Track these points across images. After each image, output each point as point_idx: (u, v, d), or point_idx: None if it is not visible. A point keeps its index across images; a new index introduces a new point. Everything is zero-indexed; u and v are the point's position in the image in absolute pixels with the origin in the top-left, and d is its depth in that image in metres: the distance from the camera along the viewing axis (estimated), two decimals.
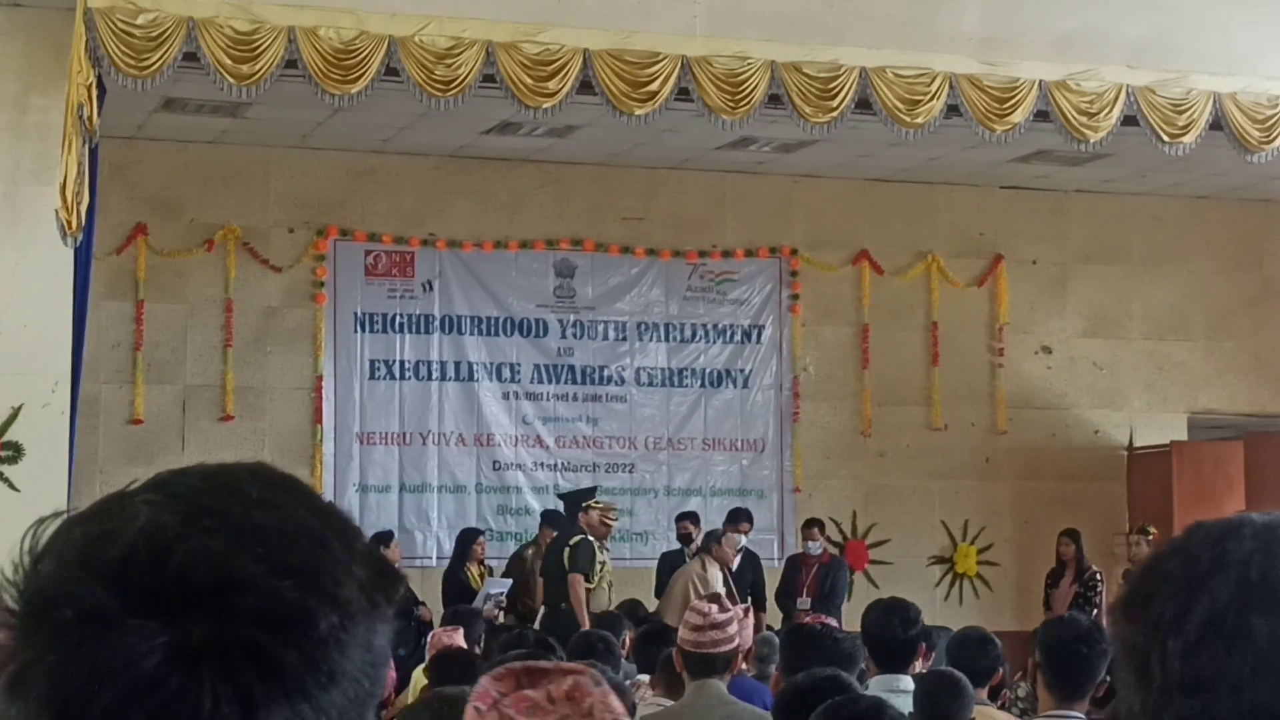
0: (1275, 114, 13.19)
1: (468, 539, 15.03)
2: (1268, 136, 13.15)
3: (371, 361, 16.15)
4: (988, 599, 16.88)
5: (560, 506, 15.56)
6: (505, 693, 2.09)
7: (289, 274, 15.89)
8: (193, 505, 1.14)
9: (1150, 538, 15.78)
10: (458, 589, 14.26)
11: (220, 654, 1.08)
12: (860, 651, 6.41)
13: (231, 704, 1.08)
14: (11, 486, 12.12)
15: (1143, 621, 1.33)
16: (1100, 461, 17.70)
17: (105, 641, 1.09)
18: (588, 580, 13.85)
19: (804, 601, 14.35)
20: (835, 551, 15.72)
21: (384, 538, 14.50)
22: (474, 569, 14.75)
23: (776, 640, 9.66)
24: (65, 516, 1.16)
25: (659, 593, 14.97)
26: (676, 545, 15.46)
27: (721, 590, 13.55)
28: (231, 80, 11.75)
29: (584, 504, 14.57)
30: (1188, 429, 17.76)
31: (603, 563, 14.48)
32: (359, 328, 16.15)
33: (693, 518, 15.36)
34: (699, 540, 15.03)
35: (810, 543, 15.24)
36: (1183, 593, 1.31)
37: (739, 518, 14.89)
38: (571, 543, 14.07)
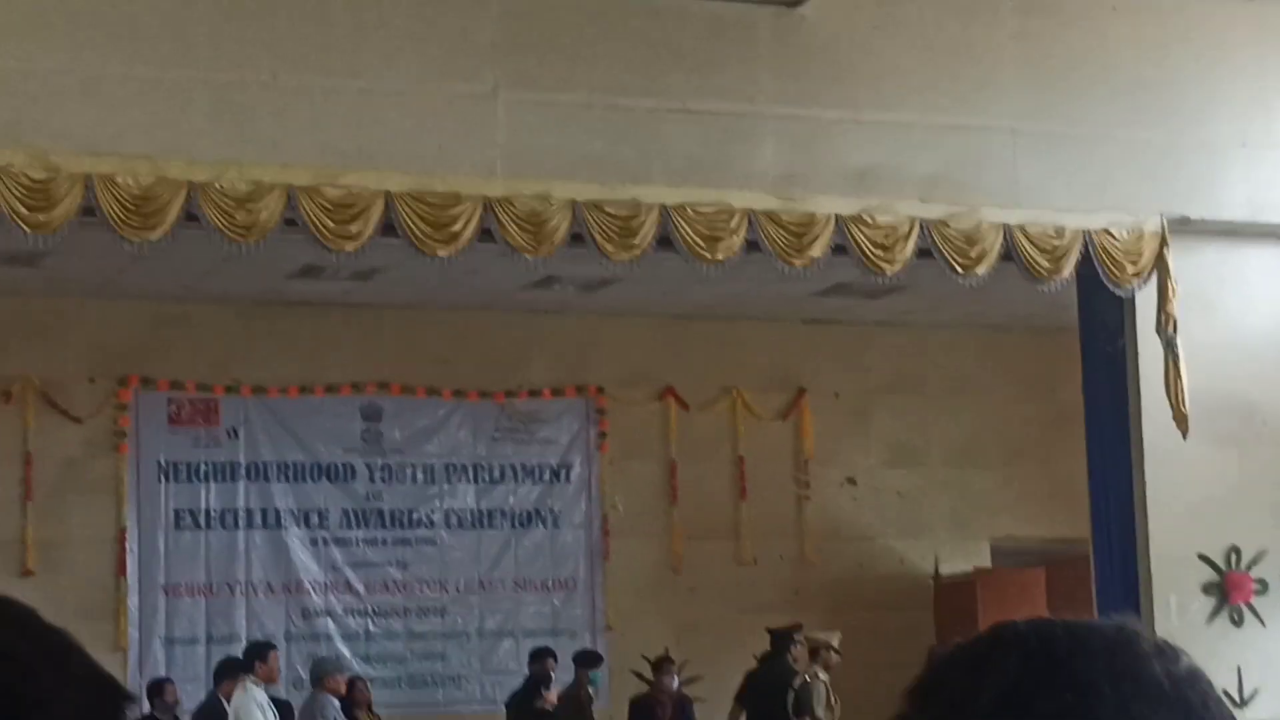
0: (1062, 244, 13.24)
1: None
2: (1056, 266, 13.20)
3: (176, 511, 16.14)
4: None
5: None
6: None
7: (90, 424, 15.92)
8: None
9: None
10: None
11: None
12: None
13: None
14: None
15: (933, 705, 1.37)
16: (907, 591, 17.89)
17: None
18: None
19: None
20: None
21: (261, 649, 14.46)
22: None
23: None
24: None
25: None
26: (517, 687, 15.34)
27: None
28: (26, 228, 11.38)
29: (794, 639, 15.48)
30: (991, 555, 18.20)
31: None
32: (162, 477, 16.15)
33: (551, 653, 15.42)
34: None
35: (665, 678, 15.56)
36: (972, 674, 1.35)
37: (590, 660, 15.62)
38: (795, 686, 15.14)
